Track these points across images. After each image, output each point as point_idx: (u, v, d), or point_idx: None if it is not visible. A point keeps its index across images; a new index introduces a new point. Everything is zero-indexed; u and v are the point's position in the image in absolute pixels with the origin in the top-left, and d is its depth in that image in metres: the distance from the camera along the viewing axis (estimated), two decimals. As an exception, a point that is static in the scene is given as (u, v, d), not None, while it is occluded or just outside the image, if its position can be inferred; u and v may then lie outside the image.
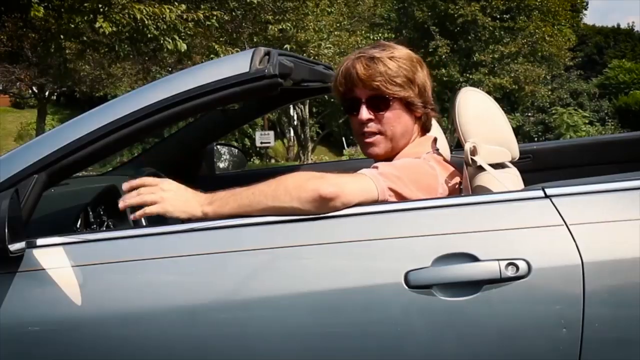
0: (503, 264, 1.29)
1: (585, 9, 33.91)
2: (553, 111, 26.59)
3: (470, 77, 22.45)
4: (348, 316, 1.33)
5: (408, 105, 1.65)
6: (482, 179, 1.53)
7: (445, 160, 1.66)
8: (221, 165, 2.59)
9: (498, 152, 1.59)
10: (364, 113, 1.64)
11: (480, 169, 1.53)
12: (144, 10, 7.88)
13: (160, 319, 1.37)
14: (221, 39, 12.06)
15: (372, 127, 1.65)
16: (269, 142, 17.86)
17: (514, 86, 22.63)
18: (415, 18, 22.93)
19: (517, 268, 1.28)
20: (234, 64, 1.50)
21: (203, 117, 2.48)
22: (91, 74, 17.89)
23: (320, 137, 25.25)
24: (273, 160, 23.59)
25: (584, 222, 1.32)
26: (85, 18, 8.11)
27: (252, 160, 24.23)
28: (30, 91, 21.61)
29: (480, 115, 1.59)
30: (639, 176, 1.38)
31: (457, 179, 1.61)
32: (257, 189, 1.47)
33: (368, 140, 1.67)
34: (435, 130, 1.78)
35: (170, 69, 15.77)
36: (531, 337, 1.29)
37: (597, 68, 35.82)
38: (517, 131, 28.79)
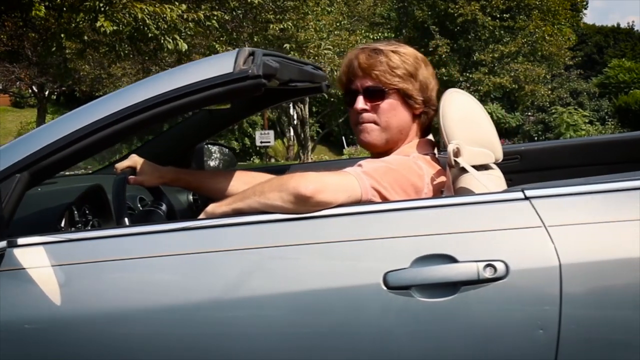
0: (481, 265, 1.29)
1: (585, 9, 33.96)
2: (553, 110, 26.60)
3: (470, 76, 22.47)
4: (328, 316, 1.34)
5: (406, 100, 1.64)
6: (464, 181, 1.53)
7: (435, 160, 1.65)
8: (212, 164, 2.60)
9: (481, 153, 1.60)
10: (360, 103, 1.64)
11: (463, 170, 1.53)
12: (145, 10, 7.88)
13: (143, 318, 1.37)
14: (221, 38, 12.06)
15: (367, 117, 1.65)
16: (269, 142, 17.86)
17: (514, 85, 22.66)
18: (415, 17, 22.96)
19: (495, 269, 1.29)
20: (218, 65, 1.50)
21: (193, 116, 2.49)
22: (91, 73, 17.91)
23: (320, 137, 25.27)
24: (273, 160, 23.60)
25: (562, 223, 1.32)
26: (86, 17, 8.11)
27: (252, 159, 24.25)
28: (30, 90, 21.63)
29: (465, 117, 1.60)
30: (618, 178, 1.39)
31: (444, 180, 1.61)
32: (249, 189, 1.49)
33: (361, 127, 1.67)
34: None
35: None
36: (508, 338, 1.30)
37: (597, 67, 35.83)
38: (517, 130, 28.83)
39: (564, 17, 24.23)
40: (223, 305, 1.36)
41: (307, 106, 20.98)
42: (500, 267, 1.29)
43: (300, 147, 22.25)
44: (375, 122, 1.65)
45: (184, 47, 8.53)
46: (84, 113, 1.53)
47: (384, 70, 1.61)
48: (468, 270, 1.30)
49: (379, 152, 1.68)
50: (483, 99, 25.72)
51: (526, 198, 1.35)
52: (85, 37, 9.22)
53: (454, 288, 1.30)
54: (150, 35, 8.32)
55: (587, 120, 25.34)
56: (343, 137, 26.99)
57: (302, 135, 21.60)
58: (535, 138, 25.88)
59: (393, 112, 1.64)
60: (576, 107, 27.03)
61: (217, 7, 10.06)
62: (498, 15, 21.99)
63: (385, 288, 1.31)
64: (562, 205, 1.35)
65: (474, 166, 1.55)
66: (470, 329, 1.31)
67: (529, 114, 29.54)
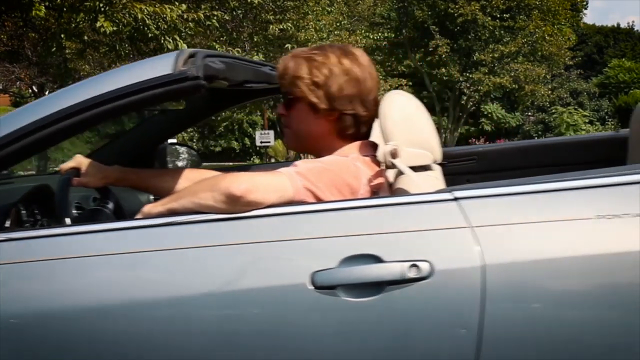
0: (406, 265, 1.31)
1: (585, 9, 33.94)
2: (553, 110, 26.62)
3: (470, 76, 22.46)
4: (255, 316, 1.35)
5: (313, 108, 1.65)
6: (401, 181, 1.54)
7: (375, 162, 1.64)
8: (179, 164, 2.61)
9: (419, 155, 1.61)
10: (280, 108, 1.71)
11: (401, 171, 1.55)
12: (145, 10, 7.89)
13: (77, 318, 1.37)
14: (221, 38, 12.07)
15: (284, 122, 1.71)
16: (269, 142, 17.86)
17: (514, 85, 22.65)
18: (415, 17, 22.93)
19: (420, 269, 1.30)
20: (158, 66, 1.50)
21: (154, 116, 2.48)
22: (91, 73, 17.90)
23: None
24: (273, 160, 23.60)
25: (489, 224, 1.33)
26: (86, 17, 8.12)
27: (252, 159, 24.25)
28: (30, 90, 21.62)
29: (404, 118, 1.61)
30: (546, 179, 1.40)
31: (382, 181, 1.62)
32: (185, 189, 1.52)
33: (283, 131, 1.74)
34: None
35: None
36: (431, 337, 1.31)
37: (597, 67, 35.82)
38: (517, 130, 28.85)
39: (564, 17, 24.20)
40: (150, 305, 1.37)
41: (307, 106, 20.95)
42: (424, 267, 1.30)
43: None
44: (289, 127, 1.71)
45: (184, 47, 8.53)
46: (24, 113, 1.53)
47: (289, 79, 1.65)
48: (393, 271, 1.31)
49: (311, 153, 1.72)
50: (483, 99, 25.76)
51: (455, 199, 1.36)
52: (85, 37, 9.23)
53: (379, 288, 1.31)
54: (150, 35, 8.34)
55: (587, 120, 25.37)
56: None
57: (302, 135, 21.58)
58: (536, 138, 25.88)
59: (300, 120, 1.68)
60: (576, 107, 27.06)
61: (217, 7, 10.08)
62: (498, 15, 21.96)
63: (312, 288, 1.32)
64: (489, 206, 1.36)
65: (413, 167, 1.56)
66: (393, 329, 1.32)
67: (529, 114, 29.56)
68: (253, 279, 1.35)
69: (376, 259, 1.32)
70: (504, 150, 2.39)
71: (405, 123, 1.60)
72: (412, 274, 1.30)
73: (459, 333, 1.29)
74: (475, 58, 22.45)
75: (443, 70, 22.61)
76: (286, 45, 12.74)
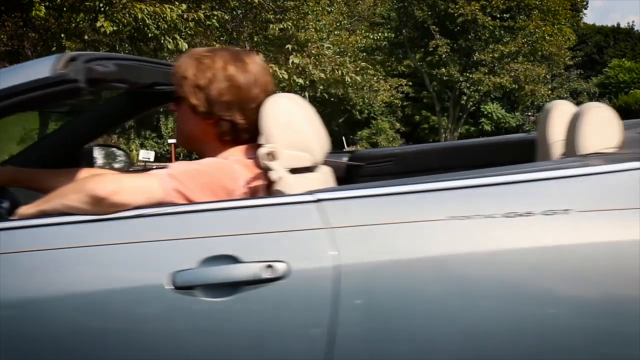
0: (262, 265, 1.32)
1: (585, 8, 33.95)
2: (553, 110, 26.56)
3: (470, 76, 22.49)
4: (115, 316, 1.36)
5: (193, 110, 1.66)
6: (279, 184, 1.56)
7: (257, 165, 1.64)
8: (113, 165, 2.60)
9: (298, 157, 1.63)
10: (172, 104, 1.74)
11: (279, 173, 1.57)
12: (145, 10, 7.89)
13: None
14: (222, 38, 12.08)
15: (175, 119, 1.74)
16: (269, 142, 17.87)
17: (514, 85, 22.67)
18: (415, 17, 22.96)
19: (276, 270, 1.32)
20: (38, 68, 1.50)
21: (78, 118, 2.47)
22: (91, 73, 17.88)
23: (320, 137, 25.27)
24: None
25: (348, 225, 1.35)
26: (86, 17, 8.13)
27: (252, 159, 24.23)
28: (30, 90, 21.59)
29: (284, 121, 1.62)
30: (409, 182, 1.42)
31: (262, 183, 1.62)
32: (57, 190, 1.51)
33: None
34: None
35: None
36: (286, 336, 1.32)
37: (597, 67, 35.86)
38: (517, 130, 28.83)
39: (564, 17, 24.21)
40: (19, 305, 1.37)
41: (307, 106, 20.96)
42: (280, 267, 1.32)
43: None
44: (177, 125, 1.74)
45: (184, 47, 8.54)
46: None
47: (178, 78, 1.66)
48: (248, 271, 1.33)
49: (197, 153, 1.73)
50: (483, 98, 25.79)
51: (317, 200, 1.38)
52: (85, 37, 9.24)
53: (235, 288, 1.33)
54: (150, 35, 8.35)
55: (587, 120, 25.29)
56: (343, 137, 27.02)
57: (302, 135, 21.60)
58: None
59: (183, 119, 1.70)
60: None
61: (217, 6, 10.09)
62: (498, 15, 21.98)
63: (172, 288, 1.33)
64: (350, 208, 1.38)
65: (297, 169, 1.59)
66: (248, 328, 1.33)
67: (529, 113, 29.57)
68: (113, 280, 1.36)
69: (234, 260, 1.34)
70: (420, 151, 2.44)
71: (287, 126, 1.62)
72: (267, 274, 1.32)
73: (313, 332, 1.31)
74: (475, 58, 22.47)
75: (443, 70, 22.64)
76: (287, 46, 12.74)
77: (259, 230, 1.37)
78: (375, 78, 19.31)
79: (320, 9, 15.54)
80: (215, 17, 9.24)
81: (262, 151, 1.55)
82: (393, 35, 23.63)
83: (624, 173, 1.36)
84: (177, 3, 8.47)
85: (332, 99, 19.95)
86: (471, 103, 24.69)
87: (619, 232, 1.30)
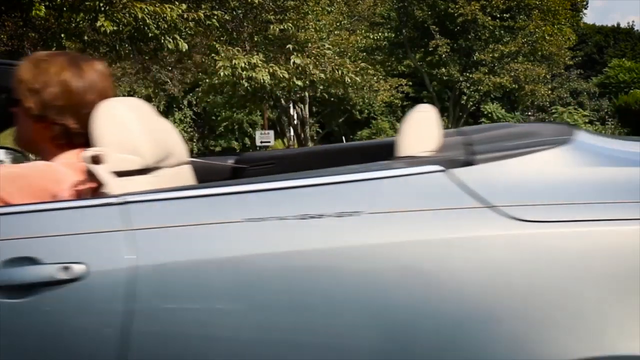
0: (59, 267, 1.33)
1: (585, 8, 33.94)
2: (553, 110, 26.63)
3: (470, 76, 22.48)
4: None
5: (27, 112, 1.68)
6: (105, 186, 1.58)
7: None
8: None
9: (126, 160, 1.63)
10: (13, 107, 1.74)
11: (108, 176, 1.57)
12: (145, 10, 7.90)
13: None
14: (222, 38, 12.09)
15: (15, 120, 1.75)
16: (269, 142, 17.91)
17: (514, 85, 22.66)
18: (415, 17, 22.96)
19: (73, 271, 1.33)
20: None
21: None
22: (91, 73, 17.86)
23: (320, 137, 25.29)
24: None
25: (148, 227, 1.37)
26: (86, 17, 8.13)
27: (252, 159, 24.19)
28: (30, 90, 21.57)
29: (113, 124, 1.63)
30: (213, 185, 1.45)
31: (91, 186, 1.63)
32: None
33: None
34: None
35: (170, 68, 15.78)
36: (82, 336, 1.34)
37: (597, 67, 35.86)
38: (517, 130, 28.75)
39: (564, 17, 24.20)
40: None
41: (307, 106, 20.97)
42: (78, 268, 1.33)
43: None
44: (16, 126, 1.75)
45: (184, 46, 8.55)
46: None
47: (16, 80, 1.68)
48: (44, 272, 1.34)
49: (35, 155, 1.74)
50: (483, 98, 25.78)
51: (122, 203, 1.40)
52: (85, 37, 9.24)
53: (32, 290, 1.34)
54: (150, 35, 8.35)
55: (587, 120, 25.37)
56: (343, 137, 27.00)
57: (302, 135, 21.61)
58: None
59: (20, 120, 1.72)
60: (576, 107, 27.08)
61: (217, 6, 10.09)
62: (498, 15, 21.97)
63: None
64: (152, 210, 1.40)
65: (127, 172, 1.60)
66: (43, 329, 1.34)
67: (529, 113, 29.57)
68: None
69: (32, 261, 1.35)
70: (298, 154, 2.50)
71: (116, 129, 1.63)
72: (63, 275, 1.33)
73: (106, 332, 1.32)
74: (475, 58, 22.46)
75: (443, 70, 22.64)
76: (287, 46, 12.75)
77: (59, 232, 1.39)
78: (375, 78, 19.30)
79: (320, 9, 15.55)
80: (216, 17, 9.25)
81: (86, 154, 1.56)
82: (393, 35, 23.61)
83: (422, 176, 1.38)
84: (177, 3, 8.47)
85: (332, 99, 19.94)
86: (471, 103, 24.68)
87: (407, 233, 1.31)
